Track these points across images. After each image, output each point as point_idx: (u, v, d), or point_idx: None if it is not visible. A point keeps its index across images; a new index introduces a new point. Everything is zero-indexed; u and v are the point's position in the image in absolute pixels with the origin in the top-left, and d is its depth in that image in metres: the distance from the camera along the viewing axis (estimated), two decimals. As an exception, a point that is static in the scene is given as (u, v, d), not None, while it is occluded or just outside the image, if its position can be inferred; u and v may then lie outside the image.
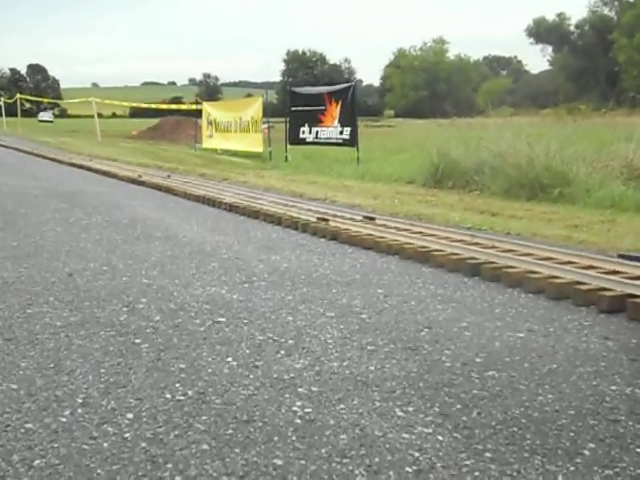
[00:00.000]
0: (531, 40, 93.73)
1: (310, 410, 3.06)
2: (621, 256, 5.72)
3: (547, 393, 3.28)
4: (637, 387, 3.37)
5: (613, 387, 3.37)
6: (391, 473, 2.55)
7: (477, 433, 2.85)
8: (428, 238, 6.80)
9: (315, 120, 18.86)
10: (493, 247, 6.28)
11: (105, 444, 2.72)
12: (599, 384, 3.40)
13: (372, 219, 8.18)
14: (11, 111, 51.95)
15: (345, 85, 19.15)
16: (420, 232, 7.20)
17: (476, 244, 6.48)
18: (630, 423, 2.96)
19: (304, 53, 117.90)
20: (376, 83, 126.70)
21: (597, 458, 2.67)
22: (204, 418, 2.96)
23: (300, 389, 3.30)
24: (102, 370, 3.52)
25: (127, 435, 2.80)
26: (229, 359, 3.70)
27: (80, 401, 3.13)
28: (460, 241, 6.62)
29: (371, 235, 7.20)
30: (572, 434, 2.85)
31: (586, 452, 2.71)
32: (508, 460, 2.65)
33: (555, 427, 2.91)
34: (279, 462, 2.62)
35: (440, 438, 2.81)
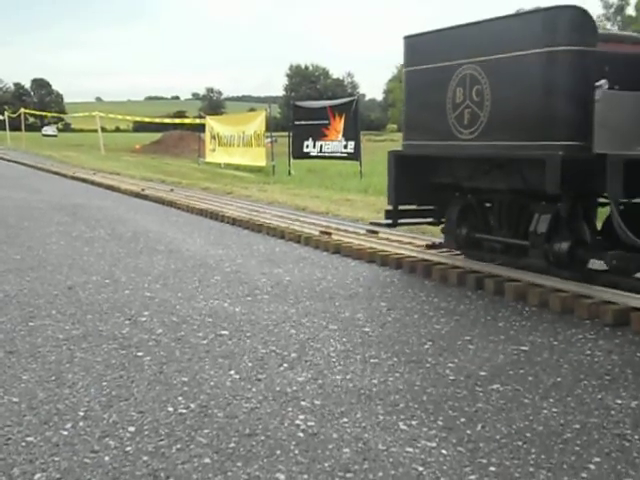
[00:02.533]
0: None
1: (313, 424, 3.04)
2: (372, 223, 7.61)
3: (551, 406, 3.26)
4: (642, 401, 3.35)
5: (618, 400, 3.35)
6: (395, 487, 2.52)
7: (482, 447, 2.83)
8: (430, 251, 6.78)
9: (319, 134, 18.90)
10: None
11: (106, 458, 2.70)
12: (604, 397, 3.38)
13: (375, 232, 8.16)
14: (15, 125, 52.14)
15: (348, 99, 19.21)
16: (422, 245, 7.18)
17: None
18: (636, 437, 2.93)
19: (307, 67, 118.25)
20: (379, 97, 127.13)
21: (603, 473, 2.64)
22: (206, 431, 2.94)
23: (303, 402, 3.28)
24: (104, 383, 3.50)
25: (129, 449, 2.78)
26: (232, 372, 3.68)
27: (82, 414, 3.11)
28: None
29: (374, 248, 7.18)
30: (577, 448, 2.83)
31: (592, 466, 2.68)
32: (513, 475, 2.62)
33: (560, 441, 2.89)
34: (282, 476, 2.59)
35: (444, 452, 2.78)
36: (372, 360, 3.91)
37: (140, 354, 3.97)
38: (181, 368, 3.74)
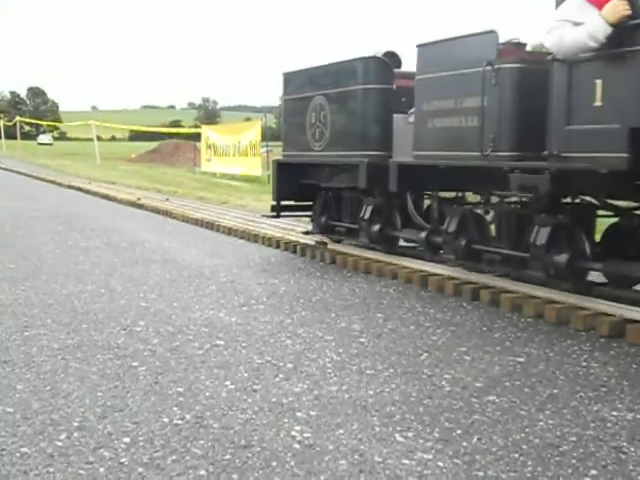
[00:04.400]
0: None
1: (309, 435, 3.03)
2: (263, 215, 9.37)
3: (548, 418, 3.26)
4: (638, 413, 3.34)
5: (615, 412, 3.35)
6: (391, 499, 2.51)
7: (478, 459, 2.82)
8: (419, 261, 6.78)
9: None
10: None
11: (101, 469, 2.69)
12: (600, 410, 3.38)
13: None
14: (10, 134, 52.17)
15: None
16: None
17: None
18: (632, 449, 2.93)
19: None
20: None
21: (599, 485, 2.64)
22: (202, 443, 2.93)
23: (299, 413, 3.27)
24: (99, 393, 3.48)
25: (123, 460, 2.76)
26: (227, 383, 3.67)
27: (76, 425, 3.09)
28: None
29: (370, 259, 7.18)
30: (574, 461, 2.82)
31: (588, 479, 2.68)
32: (509, 487, 2.61)
33: (557, 453, 2.88)
34: (277, 488, 2.58)
35: (441, 464, 2.77)
36: (368, 371, 3.90)
37: (135, 364, 3.96)
38: (176, 378, 3.73)
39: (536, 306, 5.21)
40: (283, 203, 8.47)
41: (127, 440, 2.94)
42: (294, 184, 8.25)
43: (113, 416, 3.20)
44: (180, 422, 3.14)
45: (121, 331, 4.64)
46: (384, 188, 6.64)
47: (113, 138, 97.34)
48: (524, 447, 2.94)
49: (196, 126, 28.64)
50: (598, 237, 5.56)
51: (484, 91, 5.39)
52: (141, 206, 13.51)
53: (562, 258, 5.05)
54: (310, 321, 4.98)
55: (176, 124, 74.46)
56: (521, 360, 4.15)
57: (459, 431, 3.10)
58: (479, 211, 6.16)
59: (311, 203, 8.38)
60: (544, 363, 4.09)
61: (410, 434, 3.06)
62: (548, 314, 5.09)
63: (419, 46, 6.24)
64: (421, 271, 6.49)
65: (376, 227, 7.07)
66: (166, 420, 3.16)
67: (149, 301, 5.51)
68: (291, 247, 8.30)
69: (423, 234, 6.51)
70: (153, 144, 45.94)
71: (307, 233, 8.49)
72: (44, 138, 79.57)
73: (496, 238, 5.92)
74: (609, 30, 4.47)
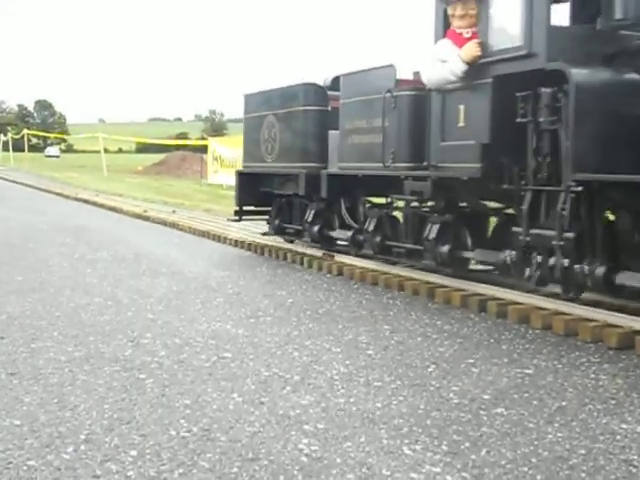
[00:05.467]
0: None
1: (316, 448, 3.01)
2: (228, 219, 10.60)
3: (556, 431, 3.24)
4: (648, 426, 3.32)
5: (624, 425, 3.32)
6: (399, 513, 2.49)
7: (486, 473, 2.80)
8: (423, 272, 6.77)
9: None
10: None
11: (108, 482, 2.68)
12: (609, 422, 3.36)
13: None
14: (18, 146, 52.39)
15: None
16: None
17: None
18: (642, 463, 2.90)
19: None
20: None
21: (609, 499, 2.62)
22: (209, 455, 2.92)
23: (306, 426, 3.25)
24: (106, 406, 3.48)
25: (130, 473, 2.75)
26: (234, 395, 3.66)
27: (83, 437, 3.09)
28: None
29: (376, 271, 7.17)
30: (583, 474, 2.80)
31: (598, 492, 2.66)
32: (518, 500, 2.59)
33: (566, 467, 2.86)
34: (285, 501, 2.57)
35: (449, 478, 2.75)
36: (375, 383, 3.89)
37: (142, 376, 3.95)
38: (183, 391, 3.72)
39: (544, 318, 5.19)
40: (245, 208, 9.63)
41: (134, 453, 2.93)
42: (254, 191, 9.38)
43: (120, 429, 3.19)
44: (187, 435, 3.13)
45: (128, 343, 4.64)
46: (319, 195, 7.92)
47: (120, 150, 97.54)
48: (533, 460, 2.92)
49: (203, 138, 28.70)
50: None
51: (385, 114, 6.60)
52: (148, 218, 13.54)
53: (445, 249, 6.17)
54: (317, 333, 4.98)
55: (183, 136, 74.58)
56: (529, 372, 4.13)
57: (467, 444, 3.08)
58: (395, 213, 7.31)
59: (269, 208, 9.40)
60: (552, 375, 4.07)
61: (418, 447, 3.04)
62: (556, 326, 5.07)
63: (343, 76, 7.54)
64: (428, 283, 6.48)
65: (316, 228, 8.14)
66: (173, 433, 3.15)
67: (156, 313, 5.51)
68: (298, 259, 8.30)
69: (350, 233, 7.57)
70: (160, 156, 46.05)
71: (264, 234, 9.53)
72: (51, 150, 79.84)
73: (404, 235, 6.89)
74: (465, 67, 5.65)
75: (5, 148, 51.42)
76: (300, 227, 8.53)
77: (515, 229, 5.34)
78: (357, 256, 7.68)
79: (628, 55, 5.16)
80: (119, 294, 6.23)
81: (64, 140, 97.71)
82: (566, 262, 4.92)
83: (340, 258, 7.93)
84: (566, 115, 4.89)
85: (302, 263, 8.17)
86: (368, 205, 7.49)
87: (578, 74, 4.85)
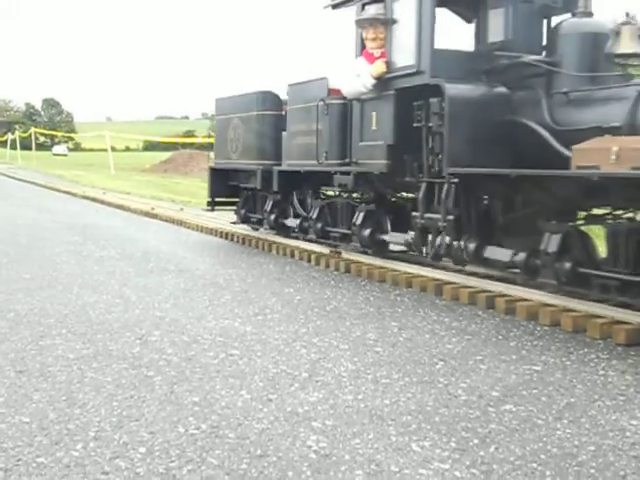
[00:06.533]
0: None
1: (325, 444, 3.01)
2: (202, 209, 11.71)
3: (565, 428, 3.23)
4: (658, 422, 3.31)
5: (633, 421, 3.31)
6: (408, 510, 2.49)
7: (495, 469, 2.80)
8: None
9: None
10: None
11: (117, 479, 2.68)
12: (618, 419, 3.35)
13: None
14: (26, 145, 52.57)
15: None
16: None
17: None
18: (652, 459, 2.89)
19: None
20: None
21: (619, 495, 2.61)
22: (217, 452, 2.92)
23: (314, 423, 3.25)
24: (114, 403, 3.49)
25: (139, 470, 2.76)
26: (243, 392, 3.66)
27: (92, 435, 3.09)
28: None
29: (384, 268, 7.17)
30: (593, 471, 2.79)
31: (607, 489, 2.65)
32: (528, 497, 2.59)
33: (575, 463, 2.85)
34: (294, 498, 2.57)
35: (458, 474, 2.75)
36: (383, 380, 3.88)
37: (151, 374, 3.96)
38: (192, 388, 3.72)
39: (552, 314, 5.18)
40: (217, 199, 10.76)
41: (143, 450, 2.94)
42: (224, 185, 10.56)
43: (129, 426, 3.20)
44: (196, 432, 3.13)
45: (136, 341, 4.64)
46: (271, 188, 9.10)
47: (127, 149, 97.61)
48: (542, 457, 2.91)
49: (210, 136, 28.71)
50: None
51: (319, 119, 7.82)
52: (155, 216, 13.56)
53: (367, 232, 7.41)
54: (325, 330, 4.97)
55: (190, 134, 74.59)
56: (538, 369, 4.12)
57: (476, 440, 3.07)
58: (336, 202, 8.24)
59: (238, 199, 10.56)
60: (561, 372, 4.06)
61: (427, 443, 3.04)
62: (564, 322, 5.06)
63: (289, 85, 8.64)
64: (436, 279, 6.47)
65: (272, 217, 9.39)
66: (182, 430, 3.16)
67: (164, 311, 5.52)
68: (305, 256, 8.30)
69: (298, 221, 8.78)
70: (167, 154, 46.15)
71: (234, 223, 10.70)
72: (59, 149, 80.00)
73: (340, 222, 8.03)
74: (373, 81, 6.85)
75: (13, 146, 51.59)
76: (261, 216, 9.76)
77: (414, 214, 6.47)
78: (305, 240, 8.80)
79: (498, 71, 6.32)
80: (127, 292, 6.24)
81: (71, 138, 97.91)
82: (448, 240, 6.05)
83: (347, 255, 7.93)
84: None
85: (309, 260, 8.17)
86: (315, 197, 8.61)
87: (451, 88, 5.96)
